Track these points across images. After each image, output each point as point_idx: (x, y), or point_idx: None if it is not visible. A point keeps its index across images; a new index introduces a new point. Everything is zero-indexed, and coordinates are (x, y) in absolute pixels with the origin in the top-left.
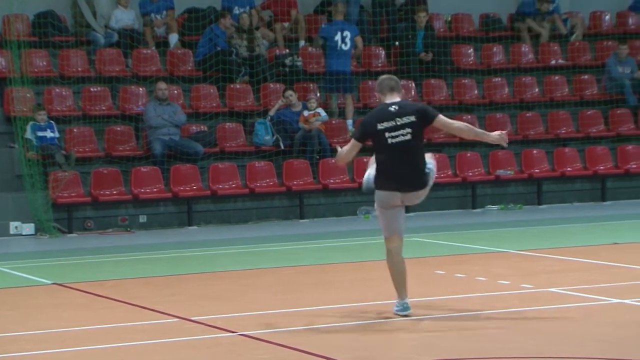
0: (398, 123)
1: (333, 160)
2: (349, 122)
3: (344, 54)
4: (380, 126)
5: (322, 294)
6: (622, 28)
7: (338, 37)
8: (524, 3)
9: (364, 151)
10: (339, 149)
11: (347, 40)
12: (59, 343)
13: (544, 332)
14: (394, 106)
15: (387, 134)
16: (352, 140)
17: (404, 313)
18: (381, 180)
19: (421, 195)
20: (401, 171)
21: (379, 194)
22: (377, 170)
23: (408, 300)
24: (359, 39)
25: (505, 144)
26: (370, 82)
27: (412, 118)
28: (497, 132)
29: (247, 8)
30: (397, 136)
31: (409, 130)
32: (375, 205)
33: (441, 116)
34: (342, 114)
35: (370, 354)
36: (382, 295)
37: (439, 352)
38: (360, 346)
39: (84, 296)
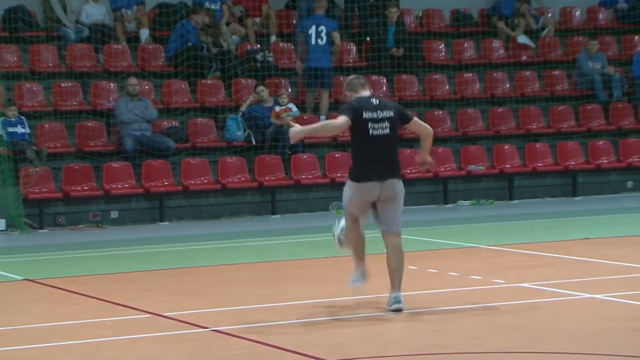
0: (379, 116)
1: (293, 129)
2: (323, 118)
3: (320, 49)
4: (365, 115)
5: (294, 289)
6: (593, 24)
7: (312, 31)
8: (501, 2)
9: (336, 147)
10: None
11: (323, 35)
12: (30, 339)
13: (515, 328)
14: (374, 99)
15: (369, 124)
16: (345, 118)
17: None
18: (359, 171)
19: (397, 187)
20: (379, 161)
21: (357, 186)
22: (355, 162)
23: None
24: (335, 35)
25: (425, 167)
26: (342, 78)
27: (391, 113)
28: (423, 158)
29: (218, 3)
30: (378, 128)
31: (387, 124)
32: (346, 191)
33: (416, 118)
34: (316, 109)
35: (342, 349)
36: (355, 291)
37: (411, 347)
38: (333, 342)
39: (55, 292)
